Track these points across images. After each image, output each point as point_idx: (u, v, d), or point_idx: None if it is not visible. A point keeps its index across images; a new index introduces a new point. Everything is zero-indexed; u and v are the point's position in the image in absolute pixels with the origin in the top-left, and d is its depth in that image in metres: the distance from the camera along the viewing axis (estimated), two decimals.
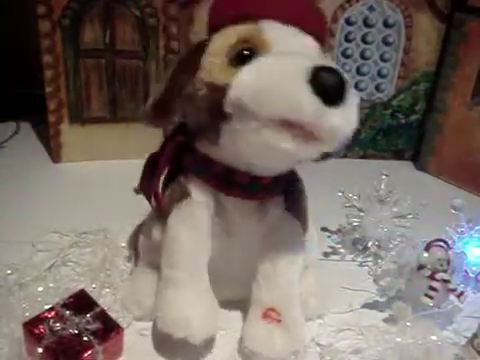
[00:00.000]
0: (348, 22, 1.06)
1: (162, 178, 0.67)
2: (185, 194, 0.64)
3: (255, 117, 0.53)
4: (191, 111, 0.61)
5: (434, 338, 0.68)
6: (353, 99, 0.54)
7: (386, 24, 1.06)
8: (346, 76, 0.53)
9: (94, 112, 1.07)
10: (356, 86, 1.11)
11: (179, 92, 0.59)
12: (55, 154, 1.08)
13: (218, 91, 0.55)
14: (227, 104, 0.55)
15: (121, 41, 1.02)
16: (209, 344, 0.67)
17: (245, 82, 0.53)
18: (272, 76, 0.52)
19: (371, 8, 1.05)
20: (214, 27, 0.60)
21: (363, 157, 1.18)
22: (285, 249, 0.66)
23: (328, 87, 0.51)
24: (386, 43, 1.07)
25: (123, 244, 0.83)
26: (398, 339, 0.68)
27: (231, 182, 0.62)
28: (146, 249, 0.74)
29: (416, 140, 1.16)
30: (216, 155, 0.61)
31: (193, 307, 0.64)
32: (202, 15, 0.98)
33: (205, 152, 0.62)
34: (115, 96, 1.06)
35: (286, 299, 0.67)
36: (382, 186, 0.85)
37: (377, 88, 1.11)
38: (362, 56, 1.08)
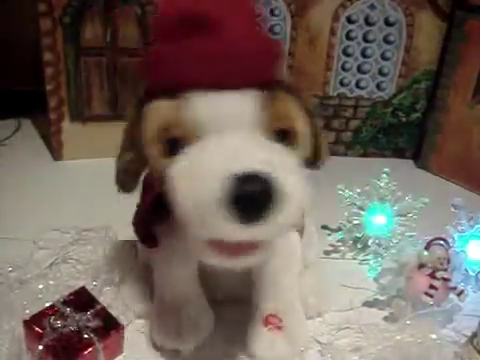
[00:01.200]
0: (349, 20, 1.06)
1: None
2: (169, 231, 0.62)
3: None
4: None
5: (434, 336, 0.68)
6: (286, 200, 0.46)
7: (387, 22, 1.06)
8: (277, 172, 0.45)
9: (95, 110, 1.07)
10: (357, 84, 1.11)
11: (130, 170, 0.57)
12: (56, 152, 1.08)
13: (161, 180, 0.51)
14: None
15: (122, 39, 1.02)
16: (208, 343, 0.68)
17: (170, 189, 0.48)
18: (190, 192, 0.46)
19: (372, 6, 1.05)
20: (147, 93, 0.53)
21: (364, 155, 1.18)
22: (282, 255, 0.65)
23: (247, 202, 0.44)
24: (387, 41, 1.07)
25: (124, 241, 0.83)
26: (398, 337, 0.68)
27: None
28: (143, 254, 0.74)
29: (417, 138, 1.16)
30: None
31: (183, 319, 0.66)
32: None
33: None
34: (116, 94, 1.06)
35: (286, 304, 0.67)
36: (382, 184, 0.85)
37: (378, 86, 1.11)
38: (363, 54, 1.08)
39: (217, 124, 0.48)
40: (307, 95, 0.57)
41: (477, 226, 0.82)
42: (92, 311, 0.66)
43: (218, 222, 0.45)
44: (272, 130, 0.50)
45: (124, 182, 0.59)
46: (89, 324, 0.64)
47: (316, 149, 0.57)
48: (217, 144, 0.47)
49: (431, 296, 0.71)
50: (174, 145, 0.49)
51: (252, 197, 0.44)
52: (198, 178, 0.46)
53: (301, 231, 0.68)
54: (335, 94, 1.11)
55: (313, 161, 0.58)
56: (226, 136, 0.48)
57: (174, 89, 0.49)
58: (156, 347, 0.67)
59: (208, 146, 0.48)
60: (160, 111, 0.50)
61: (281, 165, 0.47)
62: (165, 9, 0.51)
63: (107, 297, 0.72)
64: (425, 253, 0.72)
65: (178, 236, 0.58)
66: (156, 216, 0.61)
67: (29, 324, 0.64)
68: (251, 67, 0.49)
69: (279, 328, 0.66)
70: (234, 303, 0.73)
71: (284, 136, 0.51)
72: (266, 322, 0.66)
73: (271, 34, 1.05)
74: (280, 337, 0.66)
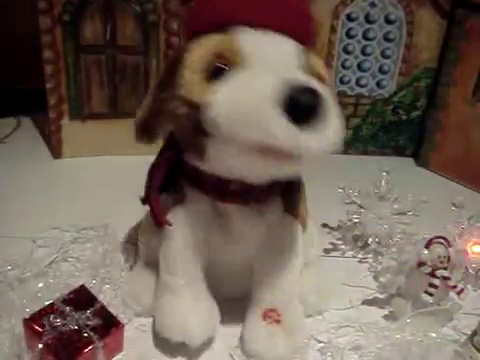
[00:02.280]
0: (349, 18, 1.05)
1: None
2: (181, 202, 0.64)
3: (232, 141, 0.51)
4: (175, 128, 0.60)
5: (434, 335, 0.68)
6: (332, 116, 0.51)
7: (387, 20, 1.06)
8: (324, 92, 0.50)
9: (95, 108, 1.06)
10: (357, 82, 1.10)
11: (160, 111, 0.58)
12: (56, 150, 1.08)
13: (197, 109, 0.53)
14: (206, 123, 0.52)
15: (122, 37, 1.02)
16: (209, 341, 0.68)
17: (217, 103, 0.51)
18: (241, 100, 0.49)
19: (372, 4, 1.04)
20: (192, 35, 0.57)
21: (364, 153, 1.17)
22: (284, 250, 0.66)
23: (301, 108, 0.48)
24: (387, 39, 1.07)
25: (123, 240, 0.83)
26: (398, 336, 0.68)
27: (224, 190, 0.60)
28: (144, 249, 0.74)
29: (417, 137, 1.16)
30: (205, 168, 0.59)
31: (190, 311, 0.65)
32: None
33: (195, 165, 0.60)
34: (116, 92, 1.06)
35: (286, 299, 0.67)
36: (383, 183, 0.85)
37: (378, 84, 1.11)
38: (363, 52, 1.08)
39: (264, 59, 0.52)
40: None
41: (477, 224, 0.82)
42: (92, 309, 0.66)
43: (275, 123, 0.47)
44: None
45: (149, 126, 0.61)
46: (89, 322, 0.64)
47: None
48: (266, 69, 0.51)
49: (431, 295, 0.71)
50: (218, 73, 0.53)
51: (306, 103, 0.48)
52: (252, 89, 0.49)
53: (304, 227, 0.68)
54: (335, 92, 1.11)
55: None
56: (272, 67, 0.52)
57: (222, 26, 0.54)
58: (157, 344, 0.67)
59: (258, 69, 0.52)
60: (209, 42, 0.55)
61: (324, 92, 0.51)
62: None
63: (107, 295, 0.72)
64: (425, 252, 0.72)
65: (185, 220, 0.63)
66: (174, 176, 0.64)
67: (29, 323, 0.63)
68: (296, 19, 0.56)
69: (278, 322, 0.66)
70: (230, 302, 0.73)
71: None
72: (265, 316, 0.66)
73: None
74: (278, 331, 0.66)
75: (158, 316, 0.67)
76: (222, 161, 0.55)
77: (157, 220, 0.64)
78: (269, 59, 0.53)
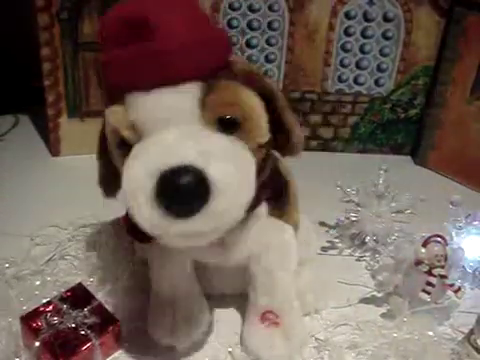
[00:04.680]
0: (347, 16, 1.05)
1: None
2: None
3: None
4: None
5: (431, 334, 0.68)
6: (221, 189, 0.46)
7: (386, 18, 1.05)
8: (213, 171, 0.46)
9: (93, 105, 1.06)
10: (355, 80, 1.10)
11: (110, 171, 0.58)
12: (54, 147, 1.08)
13: None
14: None
15: None
16: (204, 338, 0.68)
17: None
18: (127, 197, 0.49)
19: (371, 2, 1.04)
20: (108, 99, 0.55)
21: (362, 152, 1.17)
22: (277, 254, 0.65)
23: (176, 200, 0.45)
24: (386, 37, 1.07)
25: (121, 238, 0.83)
26: (395, 334, 0.68)
27: None
28: (140, 250, 0.75)
29: (415, 135, 1.16)
30: None
31: (179, 315, 0.66)
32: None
33: None
34: None
35: (283, 301, 0.67)
36: (380, 181, 0.85)
37: (376, 82, 1.11)
38: (361, 50, 1.08)
39: (157, 122, 0.49)
40: (263, 78, 0.57)
41: (475, 223, 0.82)
42: (89, 307, 0.66)
43: (152, 217, 0.46)
44: (215, 120, 0.51)
45: (106, 188, 0.63)
46: (86, 320, 0.64)
47: (285, 133, 0.57)
48: (153, 141, 0.49)
49: (428, 293, 0.71)
50: (125, 147, 0.51)
51: (178, 190, 0.45)
52: (133, 175, 0.48)
53: (295, 227, 0.68)
54: (333, 90, 1.11)
55: (286, 147, 0.58)
56: (164, 132, 0.49)
57: (123, 92, 0.51)
58: (153, 343, 0.68)
59: (145, 143, 0.49)
60: (111, 116, 0.53)
61: (218, 155, 0.48)
62: (109, 16, 0.52)
63: (104, 293, 0.72)
64: (422, 250, 0.72)
65: None
66: None
67: (26, 321, 0.64)
68: (186, 63, 0.49)
69: (276, 324, 0.66)
70: (230, 299, 0.73)
71: (230, 124, 0.51)
72: (263, 318, 0.66)
73: (269, 29, 1.05)
74: (277, 333, 0.66)
75: (149, 319, 0.68)
76: None
77: (138, 237, 0.65)
78: (163, 123, 0.49)
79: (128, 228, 0.67)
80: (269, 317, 0.66)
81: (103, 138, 0.57)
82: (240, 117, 0.51)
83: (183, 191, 0.45)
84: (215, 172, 0.46)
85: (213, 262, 0.66)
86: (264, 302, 0.66)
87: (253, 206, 0.58)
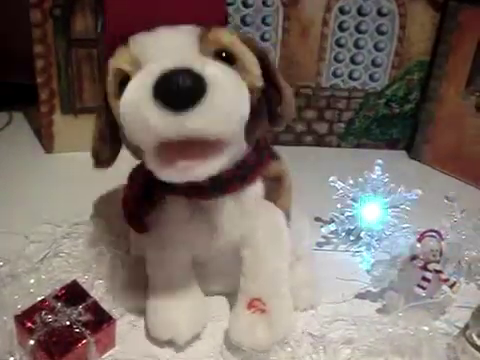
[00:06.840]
0: (342, 11, 1.05)
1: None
2: (159, 207, 0.65)
3: (140, 145, 0.52)
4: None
5: (426, 328, 0.68)
6: (217, 92, 0.49)
7: (380, 13, 1.05)
8: (211, 69, 0.49)
9: (86, 102, 1.06)
10: (350, 76, 1.10)
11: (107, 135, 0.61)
12: (47, 144, 1.08)
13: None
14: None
15: None
16: (202, 335, 0.68)
17: (119, 111, 0.52)
18: (126, 101, 0.51)
19: None
20: (110, 52, 0.57)
21: (357, 146, 1.17)
22: (267, 237, 0.66)
23: (174, 93, 0.47)
24: (380, 32, 1.07)
25: (116, 235, 0.83)
26: (390, 329, 0.68)
27: (193, 188, 0.59)
28: (135, 244, 0.74)
29: (410, 130, 1.16)
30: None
31: (177, 309, 0.66)
32: None
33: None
34: None
35: (271, 288, 0.66)
36: (375, 176, 0.85)
37: (371, 77, 1.11)
38: (356, 45, 1.08)
39: (158, 53, 0.52)
40: (257, 42, 0.61)
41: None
42: (84, 305, 0.66)
43: (151, 115, 0.48)
44: (212, 53, 0.54)
45: (99, 152, 0.63)
46: (81, 318, 0.64)
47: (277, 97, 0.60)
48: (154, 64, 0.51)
49: (424, 288, 0.71)
50: (125, 84, 0.52)
51: (176, 86, 0.47)
52: (134, 84, 0.51)
53: (287, 215, 0.68)
54: (328, 85, 1.11)
55: (276, 113, 0.60)
56: (164, 59, 0.51)
57: (125, 38, 0.54)
58: (149, 339, 0.68)
59: (145, 68, 0.52)
60: (114, 59, 0.56)
61: (215, 64, 0.52)
62: None
63: (99, 291, 0.72)
64: (418, 245, 0.72)
65: (167, 222, 0.64)
66: (145, 205, 0.65)
67: (20, 319, 0.63)
68: (186, 4, 0.55)
69: (262, 311, 0.65)
70: (227, 297, 0.73)
71: (226, 60, 0.54)
72: (250, 306, 0.66)
73: (263, 24, 1.05)
74: (261, 321, 0.65)
75: (147, 315, 0.68)
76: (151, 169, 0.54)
77: (136, 227, 0.67)
78: (159, 56, 0.52)
79: (126, 215, 0.69)
80: (256, 304, 0.65)
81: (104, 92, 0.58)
82: (235, 54, 0.55)
83: (181, 86, 0.47)
84: (210, 72, 0.49)
85: (206, 256, 0.67)
86: (253, 288, 0.66)
87: (242, 182, 0.62)
